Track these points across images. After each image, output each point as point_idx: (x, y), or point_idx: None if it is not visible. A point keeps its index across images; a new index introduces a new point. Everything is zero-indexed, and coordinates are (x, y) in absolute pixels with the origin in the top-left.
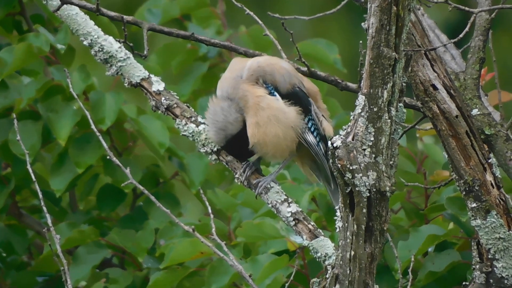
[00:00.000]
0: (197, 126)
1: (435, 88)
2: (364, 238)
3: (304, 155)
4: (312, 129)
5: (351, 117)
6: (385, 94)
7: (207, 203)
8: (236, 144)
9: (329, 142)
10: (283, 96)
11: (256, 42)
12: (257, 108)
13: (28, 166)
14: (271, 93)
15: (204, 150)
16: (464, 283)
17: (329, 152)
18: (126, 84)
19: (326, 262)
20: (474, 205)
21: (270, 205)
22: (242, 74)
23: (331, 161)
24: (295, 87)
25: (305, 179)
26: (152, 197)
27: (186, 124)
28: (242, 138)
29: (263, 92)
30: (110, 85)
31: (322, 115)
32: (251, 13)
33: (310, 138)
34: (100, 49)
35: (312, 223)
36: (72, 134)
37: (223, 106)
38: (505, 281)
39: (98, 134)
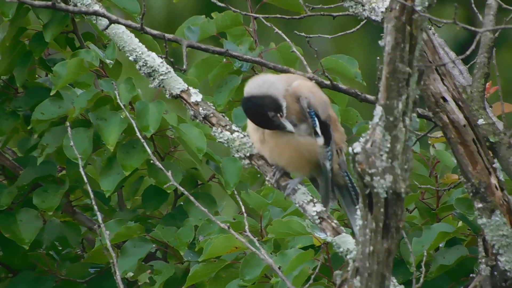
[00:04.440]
0: (232, 133)
1: (445, 100)
2: (381, 234)
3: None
4: (329, 158)
5: (370, 126)
6: (400, 105)
7: (240, 203)
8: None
9: (350, 148)
10: (321, 123)
11: (284, 57)
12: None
13: (81, 169)
14: (311, 117)
15: (238, 155)
16: (471, 275)
17: (350, 157)
18: (167, 96)
19: (348, 256)
20: (480, 205)
21: (297, 205)
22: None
23: (351, 165)
24: (327, 120)
25: None
26: (192, 197)
27: (221, 131)
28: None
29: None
30: (153, 96)
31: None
32: (280, 32)
33: (327, 164)
34: (144, 64)
35: (335, 221)
36: (119, 140)
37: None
38: (508, 273)
39: (142, 140)
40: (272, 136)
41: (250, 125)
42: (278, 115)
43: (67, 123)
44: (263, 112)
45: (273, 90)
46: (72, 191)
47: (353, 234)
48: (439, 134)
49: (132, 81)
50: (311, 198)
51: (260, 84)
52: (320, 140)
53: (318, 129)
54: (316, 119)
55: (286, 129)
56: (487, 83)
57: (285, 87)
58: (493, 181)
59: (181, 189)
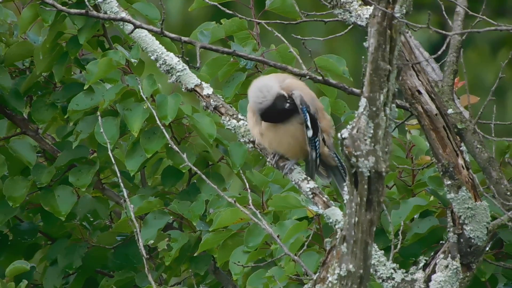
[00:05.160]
0: (238, 121)
1: (419, 93)
2: (365, 207)
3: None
4: (317, 148)
5: (356, 115)
6: (382, 97)
7: (245, 181)
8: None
9: (339, 134)
10: (311, 118)
11: (283, 57)
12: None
13: (109, 152)
14: (303, 112)
15: (243, 140)
16: (441, 242)
17: (339, 141)
18: (183, 89)
19: (336, 226)
20: (449, 182)
21: (293, 182)
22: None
23: (340, 148)
24: (315, 114)
25: None
26: (203, 176)
27: (229, 120)
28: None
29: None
30: (171, 90)
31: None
32: (279, 35)
33: (313, 154)
34: (164, 62)
35: (326, 196)
36: (142, 127)
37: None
38: (472, 240)
39: (162, 127)
40: (270, 130)
41: (250, 120)
42: (288, 101)
43: (98, 113)
44: (281, 108)
45: (271, 90)
46: (102, 171)
47: (341, 207)
48: (414, 122)
49: (153, 77)
50: (305, 176)
51: (260, 89)
52: (310, 133)
53: (308, 123)
54: (307, 114)
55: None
56: (456, 79)
57: (278, 84)
58: (460, 161)
59: (195, 169)
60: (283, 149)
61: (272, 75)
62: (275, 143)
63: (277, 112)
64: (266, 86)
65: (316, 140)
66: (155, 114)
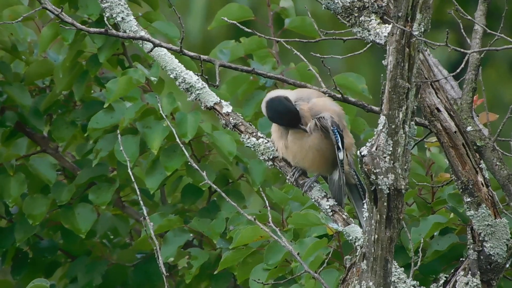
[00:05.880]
0: (257, 139)
1: (438, 110)
2: (385, 225)
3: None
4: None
5: (375, 133)
6: (401, 115)
7: (265, 198)
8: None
9: (358, 152)
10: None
11: (302, 75)
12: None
13: (129, 170)
14: (334, 133)
15: (263, 158)
16: (461, 259)
17: (358, 159)
18: (202, 107)
19: (356, 243)
20: (468, 199)
21: (313, 200)
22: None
23: (359, 166)
24: (341, 130)
25: None
26: (223, 194)
27: (249, 138)
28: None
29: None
30: (191, 108)
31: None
32: (298, 53)
33: (343, 177)
34: (183, 81)
35: (345, 214)
36: (162, 145)
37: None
38: (492, 257)
39: (181, 145)
40: (295, 143)
41: (275, 133)
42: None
43: (118, 131)
44: (291, 106)
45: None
46: (122, 189)
47: (360, 225)
48: (433, 139)
49: (173, 95)
50: (325, 194)
51: (273, 97)
52: (341, 154)
53: (340, 144)
54: (338, 135)
55: (302, 127)
56: (475, 96)
57: (295, 99)
58: (480, 179)
59: (214, 186)
60: (308, 162)
61: (293, 90)
62: (299, 156)
63: (293, 113)
64: (279, 95)
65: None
66: (174, 132)
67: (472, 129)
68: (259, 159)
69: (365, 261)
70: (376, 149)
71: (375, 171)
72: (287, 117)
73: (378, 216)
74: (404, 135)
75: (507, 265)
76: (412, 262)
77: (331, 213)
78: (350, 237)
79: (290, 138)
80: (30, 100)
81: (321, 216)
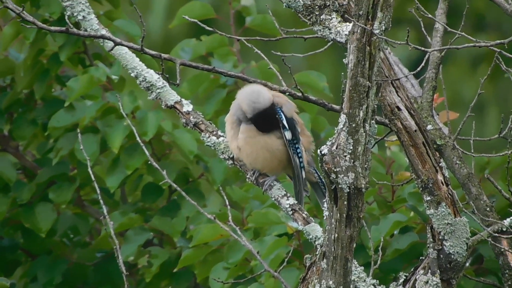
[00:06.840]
0: (218, 138)
1: (399, 109)
2: (345, 223)
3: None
4: (300, 155)
5: (335, 131)
6: (361, 114)
7: (225, 197)
8: (260, 118)
9: (318, 150)
10: (287, 119)
11: (263, 73)
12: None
13: (89, 169)
14: (277, 112)
15: (223, 156)
16: (421, 257)
17: (318, 158)
18: (163, 106)
19: (316, 242)
20: (428, 198)
21: (273, 199)
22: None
23: (320, 165)
24: (293, 119)
25: None
26: (183, 193)
27: (209, 136)
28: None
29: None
30: (152, 106)
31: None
32: (259, 52)
33: (297, 161)
34: (144, 79)
35: (305, 213)
36: (123, 144)
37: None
38: (452, 256)
39: (142, 144)
40: (247, 142)
41: (228, 134)
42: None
43: (78, 130)
44: (273, 115)
45: (265, 96)
46: (82, 188)
47: (321, 223)
48: (394, 138)
49: (134, 94)
50: (285, 193)
51: (255, 91)
52: (288, 134)
53: (285, 123)
54: (282, 114)
55: (282, 119)
56: (435, 95)
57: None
58: (440, 177)
59: (175, 185)
60: (260, 163)
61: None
62: (251, 158)
63: (270, 117)
64: (261, 91)
65: (296, 146)
66: (135, 131)
67: (432, 127)
68: (219, 158)
69: (325, 260)
70: (336, 148)
71: (335, 170)
72: (267, 125)
73: (338, 215)
74: (364, 133)
75: (467, 264)
76: (372, 260)
77: (291, 212)
78: (310, 236)
79: (242, 137)
80: None
81: (281, 215)
